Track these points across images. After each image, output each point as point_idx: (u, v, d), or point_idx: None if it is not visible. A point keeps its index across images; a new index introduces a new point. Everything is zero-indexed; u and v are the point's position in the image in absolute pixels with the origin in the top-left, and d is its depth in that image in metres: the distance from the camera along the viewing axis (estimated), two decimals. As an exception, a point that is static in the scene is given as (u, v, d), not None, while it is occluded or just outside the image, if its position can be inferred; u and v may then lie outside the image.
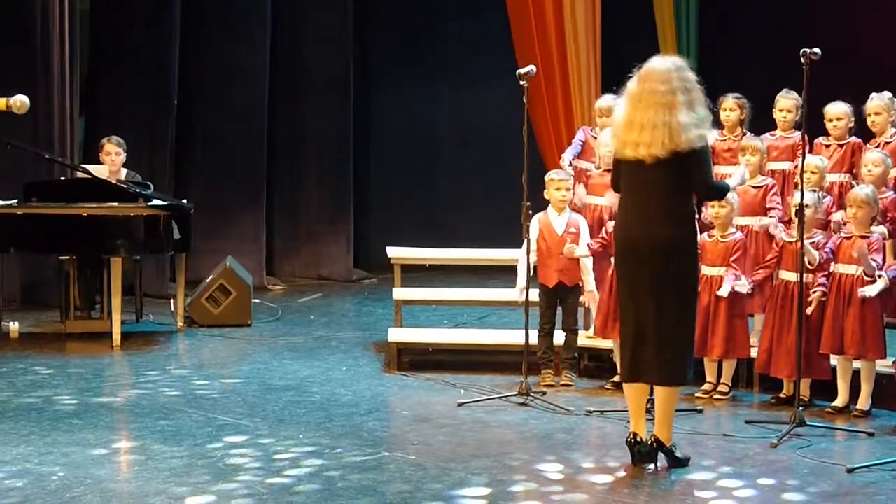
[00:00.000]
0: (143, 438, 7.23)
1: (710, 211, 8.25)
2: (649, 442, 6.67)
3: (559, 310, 8.68)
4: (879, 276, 7.66)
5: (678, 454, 6.72)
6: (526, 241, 8.36)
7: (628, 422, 6.79)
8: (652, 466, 6.68)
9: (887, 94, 8.70)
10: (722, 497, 6.29)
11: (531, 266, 8.50)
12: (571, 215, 8.66)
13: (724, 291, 8.10)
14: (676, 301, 6.59)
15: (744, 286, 8.12)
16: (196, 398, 8.19)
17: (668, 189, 6.51)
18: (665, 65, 6.58)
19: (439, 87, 14.00)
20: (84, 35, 12.08)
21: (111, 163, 10.50)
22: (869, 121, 8.70)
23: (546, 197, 8.58)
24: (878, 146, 8.62)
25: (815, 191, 8.02)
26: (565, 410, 7.85)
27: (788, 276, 7.98)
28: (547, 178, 8.60)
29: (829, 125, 8.75)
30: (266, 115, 12.92)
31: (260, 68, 12.80)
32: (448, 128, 14.04)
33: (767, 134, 8.99)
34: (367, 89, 13.88)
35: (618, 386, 7.99)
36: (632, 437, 6.69)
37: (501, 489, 6.36)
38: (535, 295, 8.60)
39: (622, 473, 6.61)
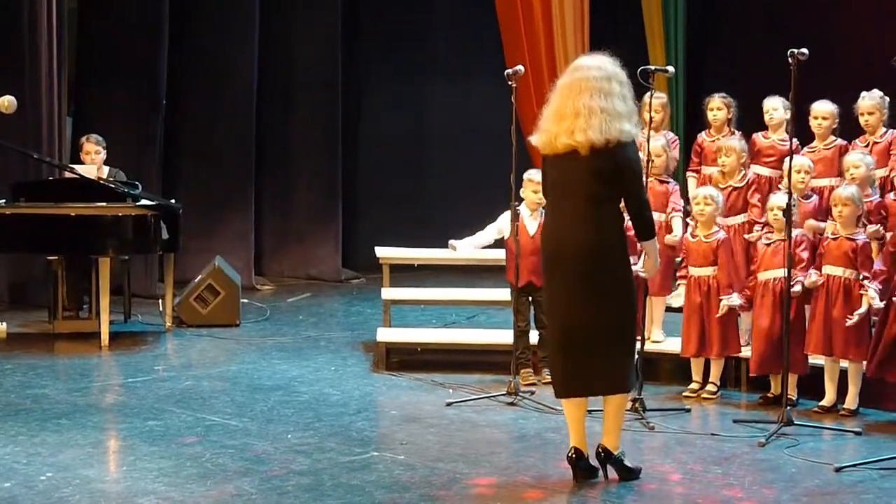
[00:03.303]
0: (131, 438, 7.22)
1: (695, 209, 8.27)
2: (597, 452, 6.48)
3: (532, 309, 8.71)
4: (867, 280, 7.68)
5: (628, 464, 6.53)
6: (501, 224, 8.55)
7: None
8: (600, 476, 6.52)
9: (878, 93, 8.65)
10: (708, 495, 6.30)
11: (483, 242, 8.70)
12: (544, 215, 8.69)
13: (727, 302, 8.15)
14: (615, 305, 6.35)
15: (735, 301, 8.14)
16: (184, 398, 8.18)
17: (596, 188, 6.23)
18: (598, 57, 6.39)
19: (429, 86, 13.99)
20: (72, 34, 12.06)
21: (90, 161, 10.49)
22: (862, 120, 8.64)
23: (522, 196, 8.58)
24: (867, 145, 8.62)
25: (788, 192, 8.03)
26: (554, 410, 7.85)
27: (768, 274, 8.00)
28: (525, 177, 8.53)
29: (813, 122, 8.73)
30: (255, 115, 12.91)
31: (248, 67, 12.79)
32: (437, 127, 14.04)
33: (761, 134, 9.01)
34: (357, 88, 13.87)
35: None
36: (573, 452, 6.47)
37: (490, 489, 6.36)
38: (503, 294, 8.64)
39: (612, 473, 6.61)
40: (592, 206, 6.28)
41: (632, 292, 6.49)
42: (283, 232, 13.41)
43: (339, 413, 7.86)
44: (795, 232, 7.82)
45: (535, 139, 6.51)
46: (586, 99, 6.24)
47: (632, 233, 6.52)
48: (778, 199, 7.90)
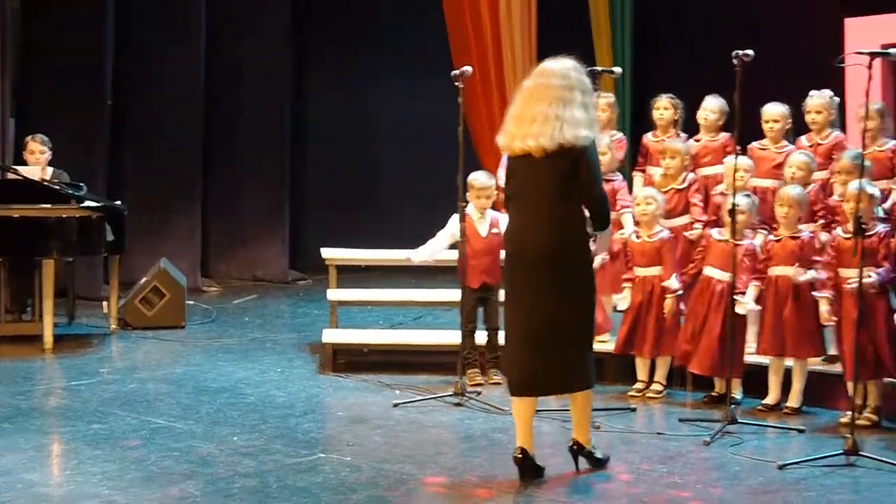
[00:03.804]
0: (75, 442, 7.16)
1: (637, 210, 8.30)
2: (570, 446, 6.64)
3: (480, 310, 8.74)
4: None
5: (598, 455, 6.69)
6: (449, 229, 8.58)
7: (565, 421, 6.79)
8: (573, 468, 6.63)
9: (828, 93, 8.69)
10: (653, 493, 6.33)
11: (439, 249, 8.74)
12: (493, 215, 8.71)
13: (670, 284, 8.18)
14: (577, 304, 6.43)
15: (673, 284, 8.18)
16: (129, 401, 8.13)
17: (555, 189, 6.32)
18: (564, 64, 6.45)
19: (377, 86, 13.99)
20: (15, 34, 11.96)
21: (35, 161, 10.40)
22: (809, 118, 8.67)
23: (468, 198, 8.60)
24: (811, 145, 8.67)
25: (748, 194, 8.09)
26: (500, 410, 7.87)
27: (714, 273, 8.05)
28: (469, 181, 8.56)
29: (765, 126, 8.75)
30: (202, 115, 12.86)
31: (195, 68, 12.74)
32: (385, 128, 14.04)
33: (693, 138, 9.06)
34: (305, 88, 13.85)
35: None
36: (519, 452, 6.50)
37: (437, 489, 6.36)
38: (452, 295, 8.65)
39: (556, 473, 6.63)
40: (554, 205, 6.37)
41: (592, 291, 6.58)
42: (230, 233, 13.36)
43: (285, 415, 7.83)
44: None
45: (499, 138, 6.58)
46: (544, 106, 6.33)
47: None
48: (736, 200, 7.88)
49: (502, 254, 6.79)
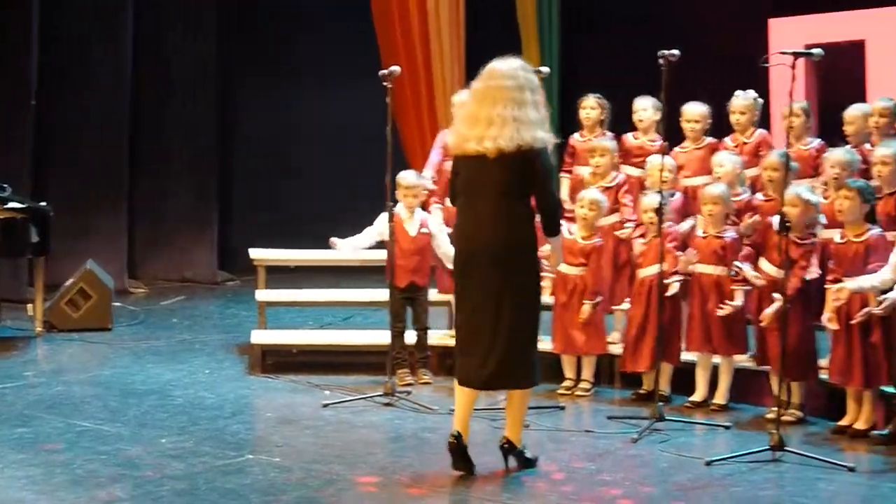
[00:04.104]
0: None
1: (579, 211, 8.33)
2: (501, 444, 6.68)
3: (409, 310, 8.76)
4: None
5: (528, 455, 6.72)
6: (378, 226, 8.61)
7: (495, 420, 6.80)
8: (503, 466, 6.67)
9: (752, 94, 8.79)
10: (582, 491, 6.36)
11: (363, 244, 8.73)
12: (422, 214, 8.72)
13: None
14: (519, 303, 6.50)
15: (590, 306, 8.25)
16: (55, 404, 8.04)
17: (507, 189, 6.42)
18: (511, 64, 6.54)
19: (305, 86, 13.94)
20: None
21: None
22: (733, 118, 8.76)
23: (397, 197, 8.62)
24: (736, 144, 8.75)
25: (660, 192, 8.14)
26: (430, 410, 7.88)
27: (644, 271, 8.12)
28: (397, 180, 8.56)
29: (685, 125, 8.85)
30: (128, 115, 12.76)
31: (122, 68, 12.63)
32: (314, 128, 13.99)
33: (630, 135, 9.11)
34: (232, 89, 13.77)
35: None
36: (455, 436, 6.57)
37: (367, 489, 6.36)
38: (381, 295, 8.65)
39: (487, 471, 6.65)
40: (505, 204, 6.45)
41: (539, 290, 6.68)
42: (157, 234, 13.26)
43: (213, 416, 7.79)
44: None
45: (448, 138, 6.67)
46: (500, 109, 6.41)
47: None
48: (650, 201, 7.99)
49: (459, 253, 6.77)
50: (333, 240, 8.79)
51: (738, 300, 7.80)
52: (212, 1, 13.17)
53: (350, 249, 8.83)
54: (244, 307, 11.57)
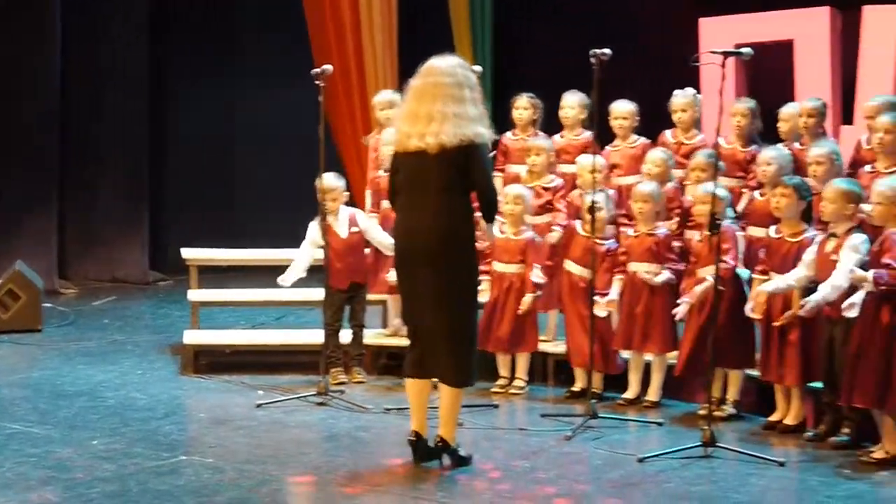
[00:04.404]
0: (-73, 449, 6.99)
1: (505, 208, 8.35)
2: (435, 442, 6.71)
3: (346, 308, 8.75)
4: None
5: (462, 453, 6.75)
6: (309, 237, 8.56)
7: (429, 419, 6.81)
8: (436, 464, 6.72)
9: (691, 91, 8.84)
10: (517, 489, 6.38)
11: (305, 265, 8.66)
12: (350, 212, 8.71)
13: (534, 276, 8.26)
14: (457, 300, 6.58)
15: (539, 277, 8.26)
16: (-16, 406, 7.96)
17: (448, 185, 6.50)
18: (449, 61, 6.63)
19: (239, 87, 13.85)
20: None
21: None
22: (675, 117, 8.80)
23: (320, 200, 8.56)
24: (676, 143, 8.78)
25: (603, 190, 8.19)
26: (363, 409, 7.88)
27: (574, 268, 8.15)
28: (317, 185, 8.41)
29: (613, 123, 8.88)
30: (59, 115, 12.61)
31: (52, 66, 12.48)
32: (247, 128, 13.90)
33: (557, 135, 9.14)
34: (166, 87, 13.65)
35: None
36: (413, 435, 6.71)
37: (300, 488, 6.34)
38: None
39: (420, 470, 6.66)
40: (445, 200, 6.53)
41: (476, 286, 6.78)
42: (88, 234, 13.12)
43: (146, 417, 7.73)
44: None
45: (390, 136, 6.83)
46: (439, 105, 6.49)
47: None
48: (595, 198, 7.97)
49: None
50: (279, 281, 8.70)
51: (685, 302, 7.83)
52: (144, -1, 13.08)
53: (297, 276, 8.72)
54: (176, 307, 11.48)
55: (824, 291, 6.97)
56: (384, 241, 8.54)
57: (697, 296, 7.60)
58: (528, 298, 8.28)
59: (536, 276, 8.27)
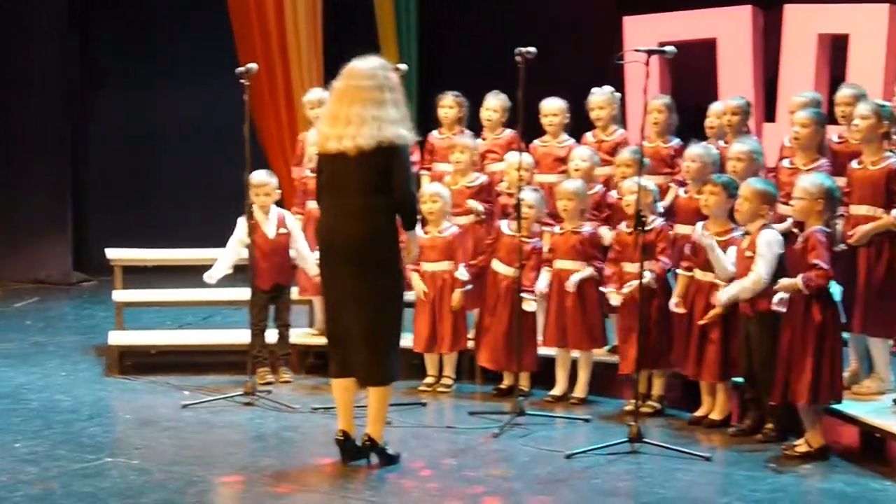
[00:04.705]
0: None
1: (423, 207, 8.32)
2: (363, 440, 6.71)
3: (272, 308, 8.72)
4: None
5: (390, 452, 6.77)
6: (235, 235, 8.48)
7: (357, 417, 6.81)
8: (364, 462, 6.72)
9: (609, 89, 8.89)
10: (446, 487, 6.39)
11: (231, 262, 8.61)
12: (279, 212, 8.68)
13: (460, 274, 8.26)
14: (379, 300, 6.60)
15: (463, 275, 8.27)
16: None
17: (369, 185, 6.52)
18: (370, 63, 6.64)
19: (162, 85, 13.73)
20: None
21: None
22: (593, 115, 8.83)
23: (251, 200, 8.52)
24: (597, 142, 8.84)
25: (536, 189, 8.22)
26: (291, 408, 7.85)
27: (501, 268, 8.17)
28: (248, 182, 8.40)
29: (544, 121, 8.92)
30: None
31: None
32: (173, 127, 13.80)
33: (480, 137, 9.15)
34: (90, 88, 13.51)
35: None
36: (340, 434, 6.72)
37: (225, 489, 6.31)
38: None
39: (348, 469, 6.64)
40: (366, 201, 6.54)
41: (399, 286, 6.77)
42: (9, 234, 12.96)
43: (70, 419, 7.65)
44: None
45: (311, 137, 6.70)
46: (358, 108, 6.51)
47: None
48: (526, 196, 7.97)
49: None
50: (205, 277, 8.66)
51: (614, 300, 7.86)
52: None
53: (222, 272, 8.69)
54: (101, 308, 11.37)
55: (740, 286, 7.05)
56: (306, 254, 8.55)
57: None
58: (457, 294, 8.29)
59: (462, 273, 8.28)
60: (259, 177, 8.53)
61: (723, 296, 7.18)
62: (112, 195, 13.54)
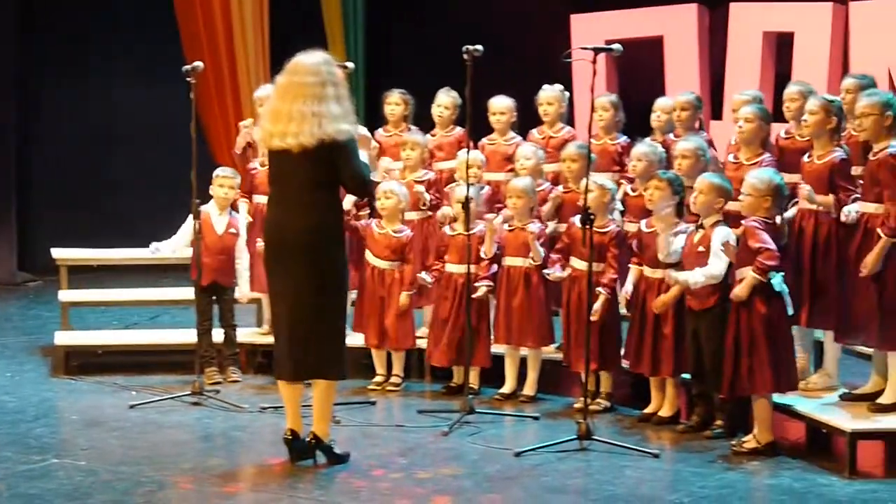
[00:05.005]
0: None
1: (377, 203, 8.33)
2: (308, 439, 6.70)
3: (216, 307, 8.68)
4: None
5: (337, 450, 6.75)
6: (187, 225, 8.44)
7: (304, 416, 6.80)
8: (311, 462, 6.71)
9: (559, 87, 8.93)
10: (395, 486, 6.38)
11: (186, 241, 8.57)
12: (233, 215, 8.64)
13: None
14: (325, 295, 6.60)
15: (425, 280, 8.27)
16: None
17: (314, 181, 6.53)
18: (314, 59, 6.62)
19: (109, 84, 13.63)
20: None
21: None
22: (541, 110, 8.86)
23: (212, 193, 8.55)
24: (544, 138, 8.86)
25: (474, 185, 8.21)
26: (239, 408, 7.82)
27: (452, 267, 8.17)
28: (215, 174, 8.60)
29: (492, 119, 8.94)
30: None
31: None
32: (119, 125, 13.70)
33: (430, 133, 9.15)
34: (33, 86, 13.39)
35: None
36: (288, 433, 6.70)
37: (174, 490, 6.28)
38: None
39: (295, 468, 6.62)
40: (311, 196, 6.56)
41: (344, 282, 6.77)
42: (-49, 235, 12.83)
43: (15, 420, 7.59)
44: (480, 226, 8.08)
45: (256, 133, 6.77)
46: (299, 105, 6.49)
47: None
48: (459, 193, 8.03)
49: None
50: (154, 245, 8.63)
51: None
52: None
53: (170, 251, 8.68)
54: (46, 308, 11.27)
55: (695, 277, 7.07)
56: (244, 263, 8.61)
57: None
58: (404, 296, 8.28)
59: (423, 279, 8.26)
60: (225, 171, 8.65)
61: (679, 276, 7.15)
62: (57, 194, 13.44)
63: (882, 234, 6.83)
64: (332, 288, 6.65)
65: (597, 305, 7.59)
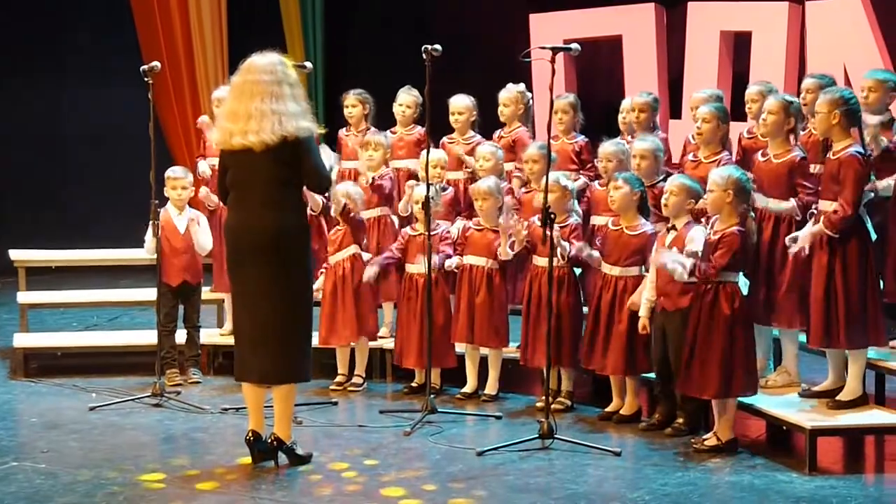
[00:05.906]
0: None
1: (334, 205, 8.30)
2: (269, 440, 6.68)
3: (181, 308, 8.65)
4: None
5: (299, 451, 6.74)
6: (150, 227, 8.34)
7: (268, 417, 6.78)
8: (272, 464, 6.69)
9: (518, 87, 8.96)
10: (358, 486, 6.38)
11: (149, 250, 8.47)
12: (191, 213, 8.61)
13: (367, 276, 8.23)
14: (289, 295, 6.59)
15: (373, 267, 8.24)
16: None
17: (278, 179, 6.52)
18: (268, 59, 6.62)
19: (66, 84, 13.59)
20: None
21: None
22: (499, 110, 8.93)
23: (167, 194, 8.52)
24: (498, 138, 8.90)
25: (433, 184, 8.21)
26: (200, 409, 7.79)
27: (414, 268, 8.17)
28: (166, 175, 8.56)
29: (451, 118, 8.97)
30: None
31: None
32: (76, 126, 13.65)
33: (388, 131, 9.14)
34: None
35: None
36: (250, 434, 6.69)
37: (134, 492, 6.25)
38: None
39: (257, 469, 6.61)
40: (275, 195, 6.55)
41: (309, 282, 6.77)
42: None
43: (-26, 424, 7.55)
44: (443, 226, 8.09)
45: (212, 135, 6.73)
46: (258, 102, 6.49)
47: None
48: (419, 192, 8.04)
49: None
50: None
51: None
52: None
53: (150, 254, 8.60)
54: (5, 310, 11.20)
55: (678, 270, 7.04)
56: (204, 243, 8.54)
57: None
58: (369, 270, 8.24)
59: (370, 270, 8.25)
60: (176, 171, 8.60)
61: (664, 259, 7.11)
62: (16, 196, 13.37)
63: (823, 224, 6.88)
64: (296, 290, 6.64)
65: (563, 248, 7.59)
